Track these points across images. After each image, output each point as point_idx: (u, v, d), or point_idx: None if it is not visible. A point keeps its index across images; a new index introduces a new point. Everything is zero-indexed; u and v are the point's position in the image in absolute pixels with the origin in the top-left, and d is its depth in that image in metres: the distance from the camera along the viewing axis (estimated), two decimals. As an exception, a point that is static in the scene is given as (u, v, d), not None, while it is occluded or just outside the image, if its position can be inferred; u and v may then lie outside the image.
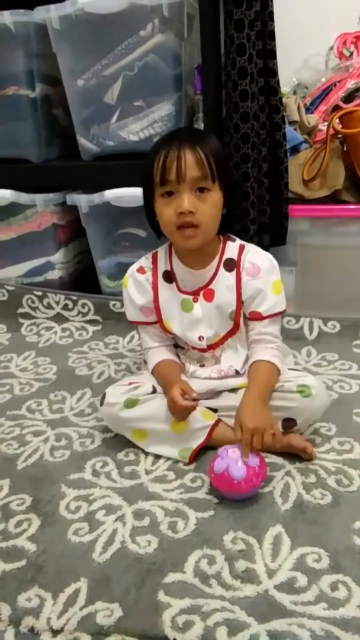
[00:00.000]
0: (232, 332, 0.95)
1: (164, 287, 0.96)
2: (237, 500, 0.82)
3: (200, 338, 0.96)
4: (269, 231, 1.37)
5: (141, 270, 0.98)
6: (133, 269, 0.99)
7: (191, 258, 0.94)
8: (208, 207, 0.85)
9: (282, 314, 0.94)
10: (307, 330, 1.34)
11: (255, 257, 0.93)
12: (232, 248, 0.95)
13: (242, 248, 0.94)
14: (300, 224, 1.39)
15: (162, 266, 0.97)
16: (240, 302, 0.93)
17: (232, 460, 0.80)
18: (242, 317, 0.94)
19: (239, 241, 0.96)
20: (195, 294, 0.95)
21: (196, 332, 0.96)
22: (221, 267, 0.94)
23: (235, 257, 0.94)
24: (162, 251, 0.98)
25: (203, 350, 0.98)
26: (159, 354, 0.99)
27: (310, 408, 0.90)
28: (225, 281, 0.93)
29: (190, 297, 0.95)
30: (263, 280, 0.92)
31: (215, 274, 0.94)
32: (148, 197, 0.90)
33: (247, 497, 0.81)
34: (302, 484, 0.85)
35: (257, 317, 0.93)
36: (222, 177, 0.87)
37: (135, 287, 0.98)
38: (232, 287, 0.93)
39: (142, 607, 0.66)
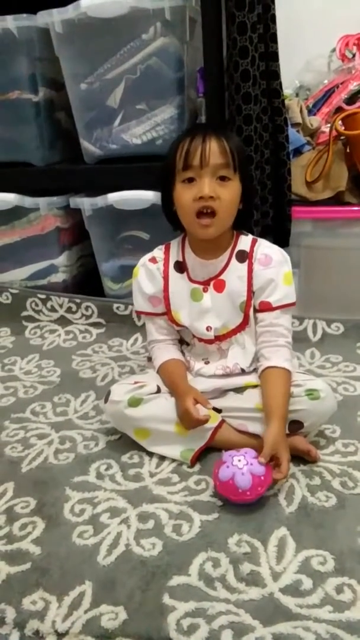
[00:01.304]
0: (241, 327, 0.95)
1: (174, 277, 0.97)
2: (241, 505, 0.81)
3: (208, 328, 0.96)
4: (272, 233, 1.37)
5: (153, 260, 0.98)
6: (145, 259, 0.99)
7: (204, 249, 0.95)
8: (228, 194, 0.87)
9: (292, 306, 0.94)
10: (311, 332, 1.34)
11: (268, 249, 0.95)
12: (244, 241, 0.96)
13: (254, 241, 0.96)
14: (303, 226, 1.39)
15: (174, 256, 0.98)
16: (251, 293, 0.93)
17: (237, 470, 0.79)
18: (252, 310, 0.94)
19: (251, 236, 0.97)
20: (205, 283, 0.95)
21: (204, 322, 0.96)
22: (233, 258, 0.94)
23: (247, 249, 0.94)
24: (175, 243, 0.99)
25: (210, 342, 0.97)
26: (166, 351, 0.99)
27: (318, 411, 0.90)
28: (236, 272, 0.94)
29: (200, 287, 0.95)
30: (275, 270, 0.92)
31: (227, 264, 0.94)
32: (167, 186, 0.91)
33: (253, 502, 0.81)
34: (307, 486, 0.85)
35: (267, 307, 0.93)
36: (243, 170, 0.89)
37: (146, 275, 0.98)
38: (244, 278, 0.93)
39: (146, 610, 0.66)
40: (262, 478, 0.80)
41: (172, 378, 0.95)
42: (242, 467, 0.79)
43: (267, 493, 0.83)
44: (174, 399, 0.93)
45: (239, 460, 0.80)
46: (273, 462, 0.82)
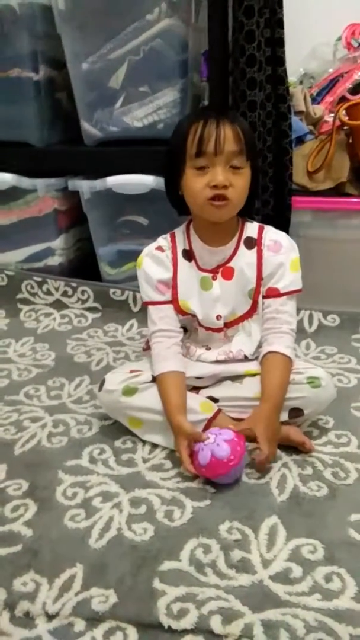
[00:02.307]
0: (249, 314, 0.95)
1: (183, 265, 0.96)
2: (231, 483, 0.82)
3: (218, 317, 0.95)
4: (272, 222, 1.36)
5: (160, 248, 0.96)
6: (150, 248, 0.97)
7: (211, 235, 0.94)
8: (241, 182, 0.86)
9: (299, 292, 0.94)
10: (307, 323, 1.34)
11: (276, 235, 0.94)
12: (251, 228, 0.95)
13: (261, 228, 0.95)
14: (303, 216, 1.38)
15: (180, 245, 0.96)
16: (260, 280, 0.93)
17: (211, 445, 0.81)
18: (260, 296, 0.94)
19: (256, 223, 0.97)
20: (214, 271, 0.94)
21: (214, 310, 0.95)
22: (241, 245, 0.94)
23: (255, 235, 0.94)
24: (179, 231, 0.98)
25: (218, 330, 0.97)
26: (168, 354, 0.93)
27: (319, 399, 0.90)
28: (245, 259, 0.93)
29: (210, 275, 0.94)
30: (284, 256, 0.92)
31: (235, 251, 0.94)
32: (174, 170, 0.89)
33: (239, 472, 0.83)
34: (299, 475, 0.85)
35: (275, 293, 0.93)
36: (253, 157, 0.87)
37: (154, 262, 0.96)
38: (253, 265, 0.93)
39: (137, 594, 0.66)
40: (236, 439, 0.82)
41: (168, 396, 0.89)
42: (213, 441, 0.81)
43: (259, 481, 0.84)
44: None
45: (208, 438, 0.82)
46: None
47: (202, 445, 0.82)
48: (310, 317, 1.35)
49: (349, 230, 1.39)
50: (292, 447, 0.90)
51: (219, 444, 0.80)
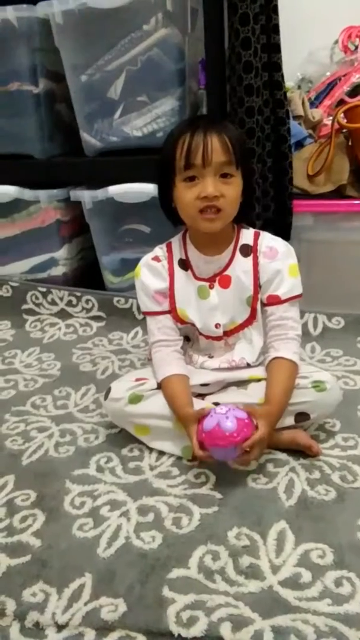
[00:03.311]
0: (248, 321, 0.95)
1: (180, 275, 0.96)
2: (218, 460, 0.82)
3: (217, 325, 0.95)
4: (273, 226, 1.36)
5: (156, 259, 0.97)
6: (147, 258, 0.98)
7: (206, 245, 0.94)
8: (231, 192, 0.85)
9: (299, 297, 0.93)
10: (312, 326, 1.34)
11: (273, 241, 0.94)
12: (247, 235, 0.95)
13: (257, 234, 0.95)
14: (304, 220, 1.38)
15: (177, 254, 0.96)
16: (257, 287, 0.93)
17: (221, 416, 0.80)
18: (259, 304, 0.94)
19: (252, 229, 0.96)
20: (211, 280, 0.94)
21: (213, 319, 0.95)
22: (237, 253, 0.94)
23: (251, 242, 0.94)
24: (176, 240, 0.98)
25: (218, 339, 0.97)
26: (169, 363, 0.94)
27: (324, 402, 0.90)
28: (241, 267, 0.93)
29: (207, 284, 0.94)
30: (281, 262, 0.92)
31: (231, 259, 0.94)
32: (165, 182, 0.90)
33: (233, 454, 0.81)
34: (307, 480, 0.85)
35: (276, 300, 0.92)
36: (244, 164, 0.87)
37: (151, 272, 0.96)
38: (249, 272, 0.93)
39: (146, 602, 0.66)
40: (247, 421, 0.80)
41: (174, 398, 0.90)
42: (224, 412, 0.80)
43: (267, 486, 0.84)
44: None
45: (221, 409, 0.81)
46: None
47: (213, 412, 0.81)
48: (315, 320, 1.34)
49: (350, 232, 1.39)
50: (299, 451, 0.90)
51: (228, 417, 0.80)
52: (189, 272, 0.96)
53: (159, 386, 0.93)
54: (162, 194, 0.92)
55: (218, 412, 0.81)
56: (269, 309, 0.93)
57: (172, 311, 0.96)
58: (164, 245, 0.98)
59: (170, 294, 0.96)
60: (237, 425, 0.79)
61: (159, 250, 0.98)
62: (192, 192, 0.85)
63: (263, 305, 0.94)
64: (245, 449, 0.80)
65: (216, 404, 0.94)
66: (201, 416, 0.83)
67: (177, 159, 0.85)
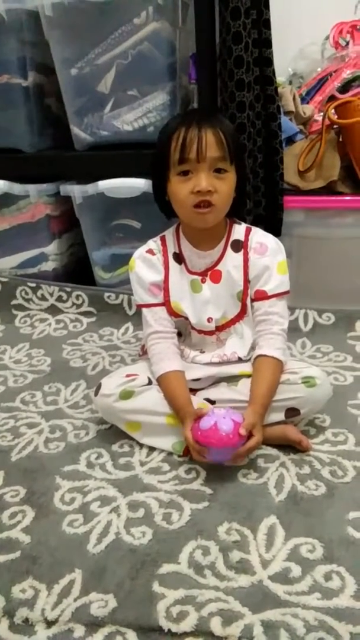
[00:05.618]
0: (239, 316, 0.95)
1: (174, 268, 0.96)
2: (211, 460, 0.83)
3: (209, 320, 0.95)
4: (264, 222, 1.36)
5: (150, 251, 0.96)
6: (141, 251, 0.97)
7: (199, 239, 0.94)
8: (225, 187, 0.86)
9: (286, 294, 0.94)
10: (302, 322, 1.34)
11: (263, 237, 0.94)
12: (238, 230, 0.95)
13: (249, 230, 0.95)
14: (295, 215, 1.38)
15: (171, 248, 0.97)
16: (247, 282, 0.93)
17: (219, 416, 0.82)
18: (249, 299, 0.94)
19: (244, 224, 0.96)
20: (203, 274, 0.95)
21: (205, 313, 0.95)
22: (228, 248, 0.94)
23: (242, 238, 0.94)
24: (169, 234, 0.98)
25: (210, 333, 0.97)
26: (167, 358, 0.94)
27: (315, 398, 0.90)
28: (232, 262, 0.93)
29: (199, 278, 0.95)
30: (270, 259, 0.92)
31: (222, 255, 0.94)
32: (159, 176, 0.89)
33: (225, 456, 0.82)
34: (297, 475, 0.85)
35: (263, 296, 0.93)
36: (237, 160, 0.87)
37: (146, 265, 0.96)
38: (240, 267, 0.93)
39: (136, 598, 0.66)
40: (243, 423, 0.82)
41: (174, 395, 0.90)
42: (222, 413, 0.82)
43: (257, 481, 0.84)
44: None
45: (219, 410, 0.83)
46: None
47: (211, 412, 0.83)
48: (305, 316, 1.35)
49: (341, 228, 1.39)
50: (289, 446, 0.90)
51: (225, 418, 0.81)
52: (183, 265, 0.96)
53: (150, 382, 0.93)
54: (157, 187, 0.92)
55: (216, 413, 0.82)
56: (256, 304, 0.94)
57: (166, 304, 0.96)
58: (157, 239, 0.98)
59: (165, 286, 0.96)
60: (234, 428, 0.80)
61: (153, 244, 0.97)
62: (186, 187, 0.85)
63: (251, 300, 0.94)
64: (240, 453, 0.81)
65: (207, 400, 0.94)
66: (199, 415, 0.84)
67: (171, 153, 0.85)
